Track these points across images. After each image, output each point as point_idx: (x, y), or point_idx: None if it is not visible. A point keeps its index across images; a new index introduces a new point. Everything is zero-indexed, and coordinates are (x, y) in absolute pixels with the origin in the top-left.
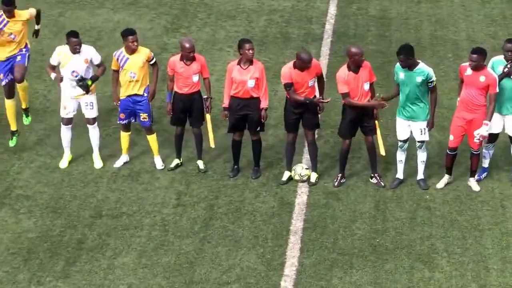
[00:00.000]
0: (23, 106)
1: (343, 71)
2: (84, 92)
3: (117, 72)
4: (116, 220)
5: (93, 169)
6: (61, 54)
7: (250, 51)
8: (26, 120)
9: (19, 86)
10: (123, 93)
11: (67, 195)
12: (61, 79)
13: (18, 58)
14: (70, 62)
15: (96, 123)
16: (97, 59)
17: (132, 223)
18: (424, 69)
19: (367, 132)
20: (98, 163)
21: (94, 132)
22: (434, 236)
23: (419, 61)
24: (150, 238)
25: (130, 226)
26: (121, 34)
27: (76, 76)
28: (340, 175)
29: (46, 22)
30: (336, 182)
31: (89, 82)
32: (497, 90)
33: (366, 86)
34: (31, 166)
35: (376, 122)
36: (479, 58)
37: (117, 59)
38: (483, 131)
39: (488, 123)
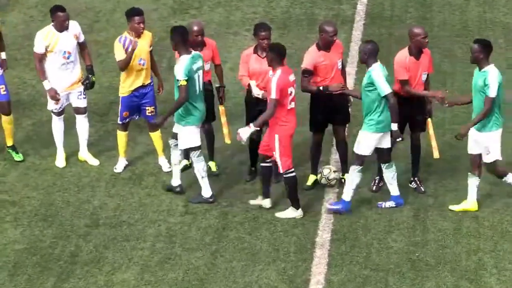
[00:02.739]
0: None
1: (403, 55)
2: (85, 85)
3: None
4: (115, 230)
5: (88, 171)
6: (47, 37)
7: (265, 41)
8: (16, 157)
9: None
10: (128, 88)
11: (59, 201)
12: (56, 93)
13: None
14: (60, 42)
15: (87, 113)
16: (82, 36)
17: (134, 234)
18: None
19: (415, 128)
20: (93, 160)
21: (85, 123)
22: (482, 250)
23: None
24: (154, 251)
25: (131, 237)
26: (125, 13)
27: (68, 58)
28: (378, 177)
29: (35, 2)
30: (375, 187)
31: (93, 78)
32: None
33: (424, 77)
34: (17, 168)
35: (429, 119)
36: None
37: (123, 45)
38: (243, 131)
39: (252, 127)
